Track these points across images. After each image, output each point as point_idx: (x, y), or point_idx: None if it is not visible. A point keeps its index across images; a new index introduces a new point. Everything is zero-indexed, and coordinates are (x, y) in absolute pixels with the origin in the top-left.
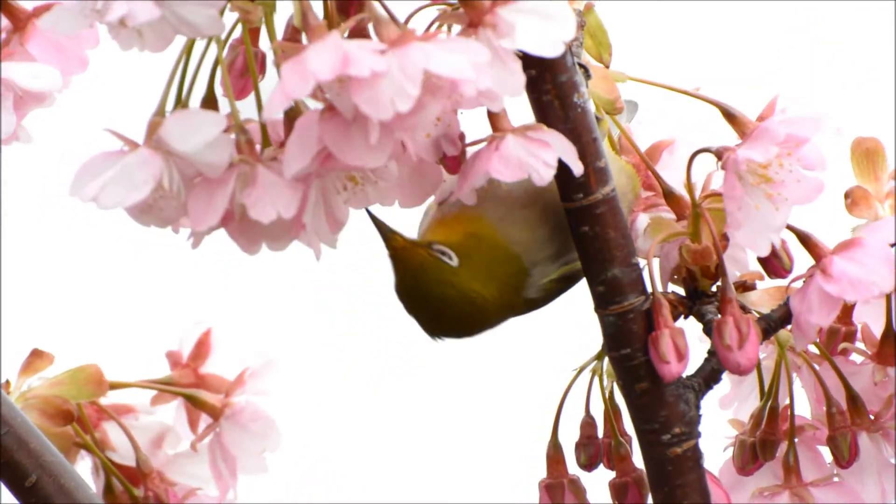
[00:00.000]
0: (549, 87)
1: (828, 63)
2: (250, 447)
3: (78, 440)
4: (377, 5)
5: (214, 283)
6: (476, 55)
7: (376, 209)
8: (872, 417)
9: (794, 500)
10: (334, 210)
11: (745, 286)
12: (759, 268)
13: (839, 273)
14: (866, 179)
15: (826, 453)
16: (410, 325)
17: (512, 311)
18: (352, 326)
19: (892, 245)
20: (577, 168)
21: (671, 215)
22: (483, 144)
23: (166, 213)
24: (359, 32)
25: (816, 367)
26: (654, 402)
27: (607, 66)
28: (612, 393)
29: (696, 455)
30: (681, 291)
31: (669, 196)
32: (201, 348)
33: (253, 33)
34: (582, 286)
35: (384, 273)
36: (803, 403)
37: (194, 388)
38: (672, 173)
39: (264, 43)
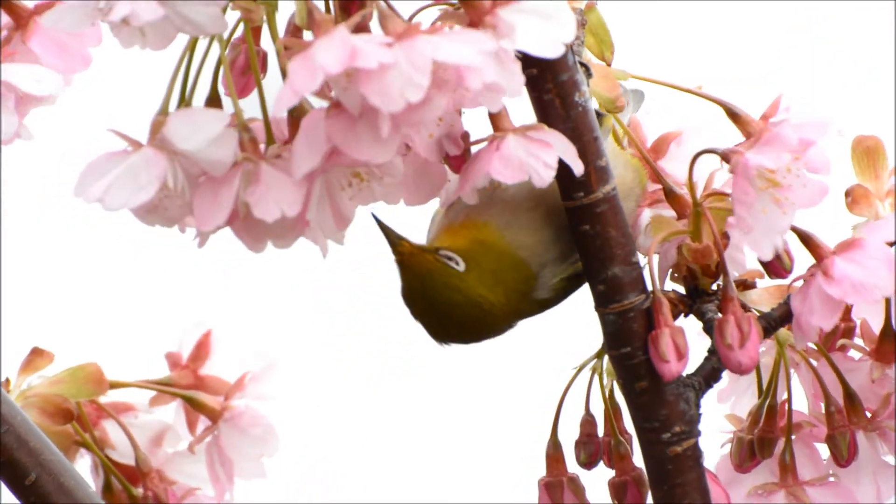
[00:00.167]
0: (550, 85)
1: (828, 63)
2: (248, 451)
3: (77, 438)
4: (380, 2)
5: (214, 284)
6: (483, 45)
7: (382, 213)
8: (869, 415)
9: (790, 500)
10: (340, 207)
11: (746, 285)
12: (758, 266)
13: (841, 275)
14: (867, 177)
15: (822, 450)
16: (410, 326)
17: (519, 317)
18: (352, 326)
19: (891, 244)
20: (578, 168)
21: (672, 213)
22: (484, 144)
23: (171, 213)
24: (361, 30)
25: (814, 363)
26: (655, 401)
27: (609, 65)
28: (612, 391)
29: (695, 454)
30: (681, 290)
31: (670, 194)
32: (201, 350)
33: (254, 32)
34: (582, 287)
35: (384, 273)
36: (800, 399)
37: (193, 390)
38: (679, 166)
39: (266, 42)
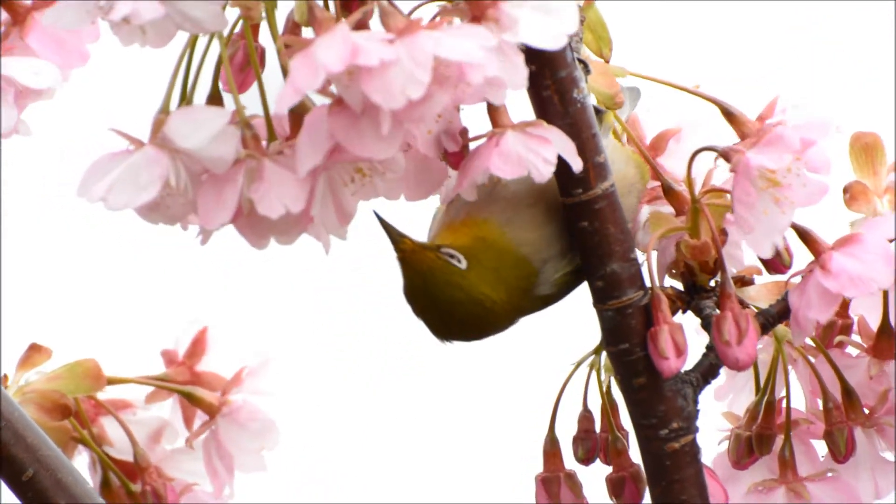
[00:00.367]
0: (549, 82)
1: (828, 63)
2: (248, 445)
3: (75, 435)
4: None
5: (214, 283)
6: (484, 40)
7: (383, 210)
8: (867, 411)
9: (790, 496)
10: (343, 202)
11: (744, 281)
12: (756, 263)
13: (838, 269)
14: (865, 174)
15: (819, 447)
16: (410, 325)
17: (521, 314)
18: (352, 326)
19: (891, 241)
20: (577, 164)
21: (670, 209)
22: (483, 140)
23: (174, 211)
24: (361, 27)
25: (812, 359)
26: (653, 397)
27: (607, 62)
28: (609, 388)
29: (693, 450)
30: (679, 286)
31: (669, 191)
32: (197, 346)
33: (253, 28)
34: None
35: (384, 273)
36: (798, 396)
37: (191, 386)
38: (678, 162)
39: (264, 38)
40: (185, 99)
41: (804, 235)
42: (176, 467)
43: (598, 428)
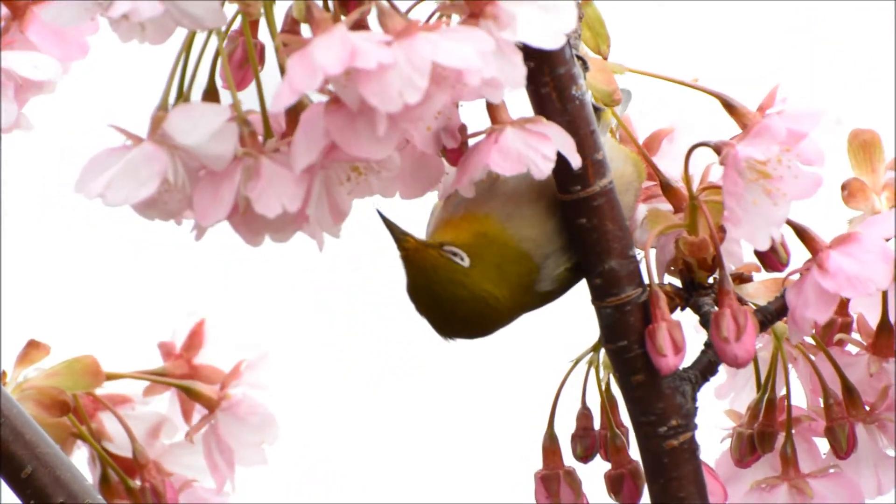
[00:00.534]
0: (547, 79)
1: (828, 63)
2: (248, 439)
3: (74, 431)
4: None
5: (214, 283)
6: (482, 44)
7: (384, 207)
8: (868, 408)
9: (793, 493)
10: (338, 201)
11: (742, 278)
12: (755, 260)
13: (836, 268)
14: (863, 171)
15: (821, 444)
16: (411, 325)
17: (523, 310)
18: (352, 326)
19: (888, 240)
20: (576, 161)
21: (668, 207)
22: (482, 137)
23: (170, 206)
24: (359, 26)
25: (812, 357)
26: (651, 395)
27: (605, 58)
28: (608, 385)
29: (692, 447)
30: (677, 283)
31: (667, 188)
32: (194, 339)
33: (252, 24)
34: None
35: (384, 273)
36: (798, 393)
37: (189, 380)
38: (671, 163)
39: (262, 33)
40: (183, 95)
41: (801, 233)
42: (175, 462)
43: (597, 425)
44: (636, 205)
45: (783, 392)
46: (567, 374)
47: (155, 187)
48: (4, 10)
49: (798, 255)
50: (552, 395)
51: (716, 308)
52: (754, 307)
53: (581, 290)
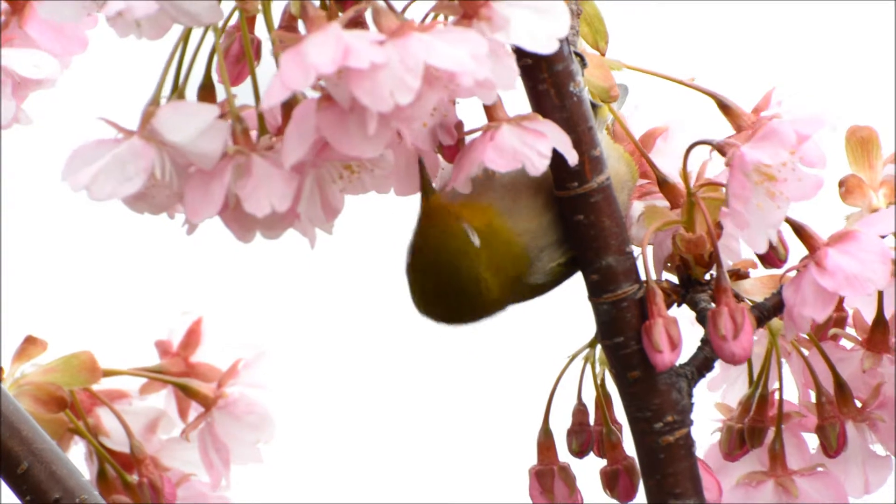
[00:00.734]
0: (545, 76)
1: (828, 63)
2: (244, 438)
3: (71, 426)
4: None
5: (212, 281)
6: (476, 46)
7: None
8: (859, 405)
9: (779, 491)
10: (330, 198)
11: (739, 274)
12: (752, 256)
13: (834, 267)
14: (860, 168)
15: (810, 440)
16: (410, 325)
17: (511, 301)
18: (350, 325)
19: (884, 237)
20: (572, 158)
21: (665, 203)
22: (478, 134)
23: (159, 201)
24: (355, 23)
25: (805, 352)
26: (647, 391)
27: (603, 55)
28: (604, 381)
29: (688, 443)
30: (674, 279)
31: (664, 184)
32: (191, 337)
33: (249, 20)
34: (576, 274)
35: (384, 273)
36: (791, 388)
37: (185, 377)
38: (666, 160)
39: (260, 29)
40: (177, 90)
41: (799, 230)
42: (172, 457)
43: (592, 421)
44: (630, 203)
45: (775, 387)
46: (563, 370)
47: (141, 183)
48: (4, 5)
49: (795, 251)
50: (548, 390)
51: (712, 305)
52: (751, 304)
53: (577, 285)
